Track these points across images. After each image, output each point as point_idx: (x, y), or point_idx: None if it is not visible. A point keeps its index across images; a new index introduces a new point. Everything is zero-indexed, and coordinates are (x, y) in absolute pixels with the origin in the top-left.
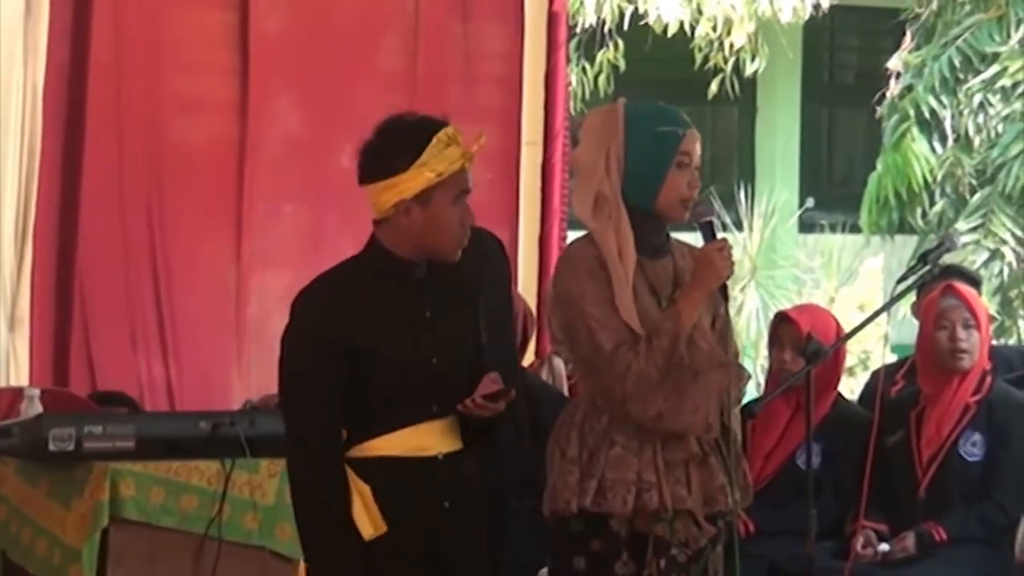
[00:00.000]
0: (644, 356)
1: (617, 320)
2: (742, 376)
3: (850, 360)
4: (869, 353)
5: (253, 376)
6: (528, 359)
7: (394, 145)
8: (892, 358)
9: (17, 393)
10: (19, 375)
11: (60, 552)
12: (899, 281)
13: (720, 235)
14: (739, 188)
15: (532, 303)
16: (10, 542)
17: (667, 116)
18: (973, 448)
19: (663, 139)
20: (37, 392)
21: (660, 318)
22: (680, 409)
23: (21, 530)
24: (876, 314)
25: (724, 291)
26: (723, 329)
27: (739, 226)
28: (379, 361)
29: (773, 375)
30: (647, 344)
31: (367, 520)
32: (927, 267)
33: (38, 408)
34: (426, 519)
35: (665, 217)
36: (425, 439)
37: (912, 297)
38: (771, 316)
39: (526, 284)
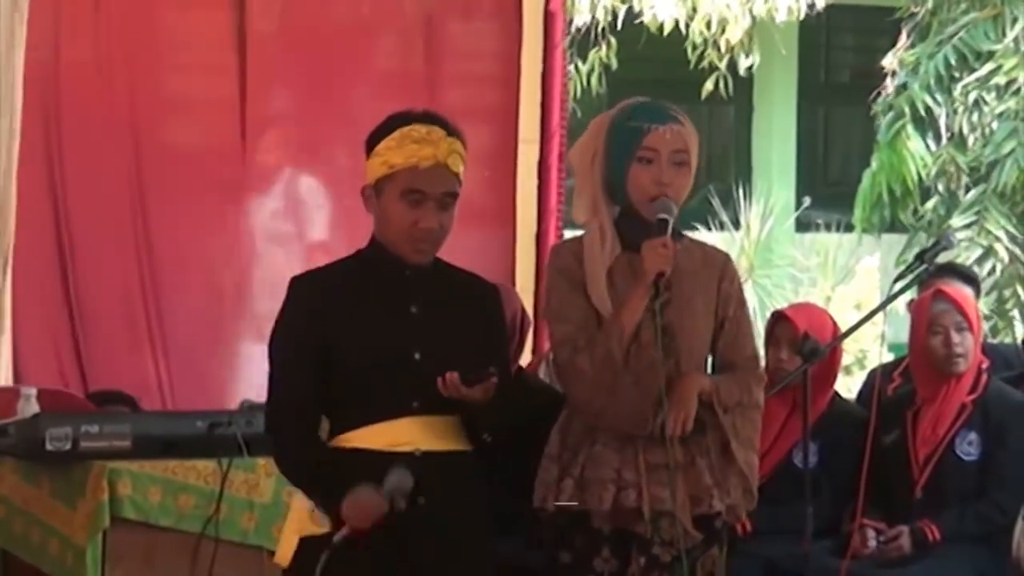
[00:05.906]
0: (586, 351)
1: (577, 314)
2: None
3: (846, 359)
4: (866, 352)
5: (249, 375)
6: (526, 358)
7: (372, 134)
8: (889, 357)
9: (14, 392)
10: (4, 374)
11: (72, 553)
12: (896, 280)
13: (668, 235)
14: (736, 187)
15: (529, 301)
16: (14, 541)
17: (642, 111)
18: (969, 447)
19: (628, 133)
20: (34, 391)
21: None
22: (613, 406)
23: (29, 530)
24: (873, 313)
25: (657, 286)
26: (732, 332)
27: (736, 225)
28: (354, 350)
29: (770, 374)
30: (589, 340)
31: None
32: (924, 266)
33: (35, 407)
34: (398, 514)
35: (639, 213)
36: (402, 434)
37: (911, 295)
38: (768, 315)
39: (523, 283)
